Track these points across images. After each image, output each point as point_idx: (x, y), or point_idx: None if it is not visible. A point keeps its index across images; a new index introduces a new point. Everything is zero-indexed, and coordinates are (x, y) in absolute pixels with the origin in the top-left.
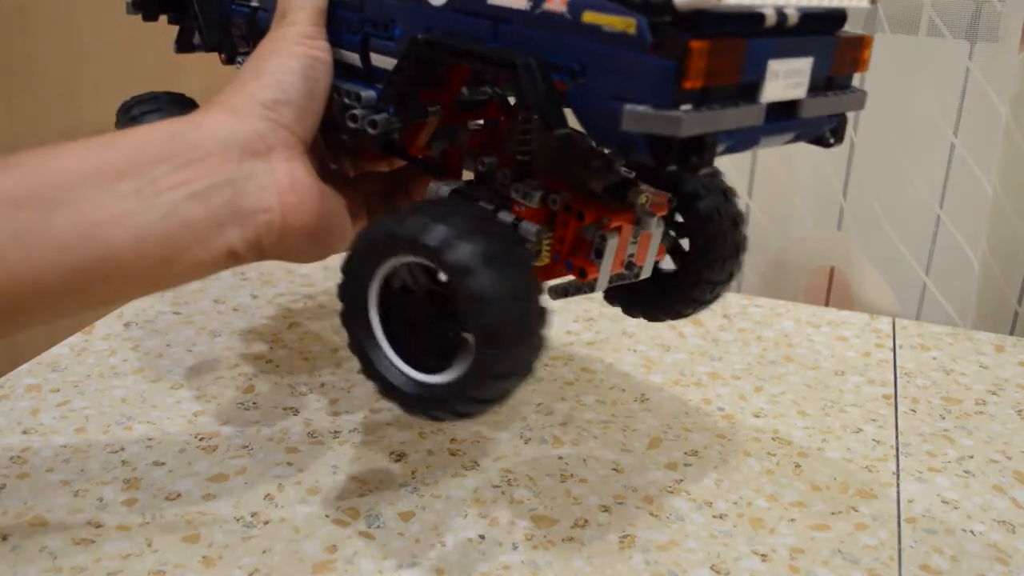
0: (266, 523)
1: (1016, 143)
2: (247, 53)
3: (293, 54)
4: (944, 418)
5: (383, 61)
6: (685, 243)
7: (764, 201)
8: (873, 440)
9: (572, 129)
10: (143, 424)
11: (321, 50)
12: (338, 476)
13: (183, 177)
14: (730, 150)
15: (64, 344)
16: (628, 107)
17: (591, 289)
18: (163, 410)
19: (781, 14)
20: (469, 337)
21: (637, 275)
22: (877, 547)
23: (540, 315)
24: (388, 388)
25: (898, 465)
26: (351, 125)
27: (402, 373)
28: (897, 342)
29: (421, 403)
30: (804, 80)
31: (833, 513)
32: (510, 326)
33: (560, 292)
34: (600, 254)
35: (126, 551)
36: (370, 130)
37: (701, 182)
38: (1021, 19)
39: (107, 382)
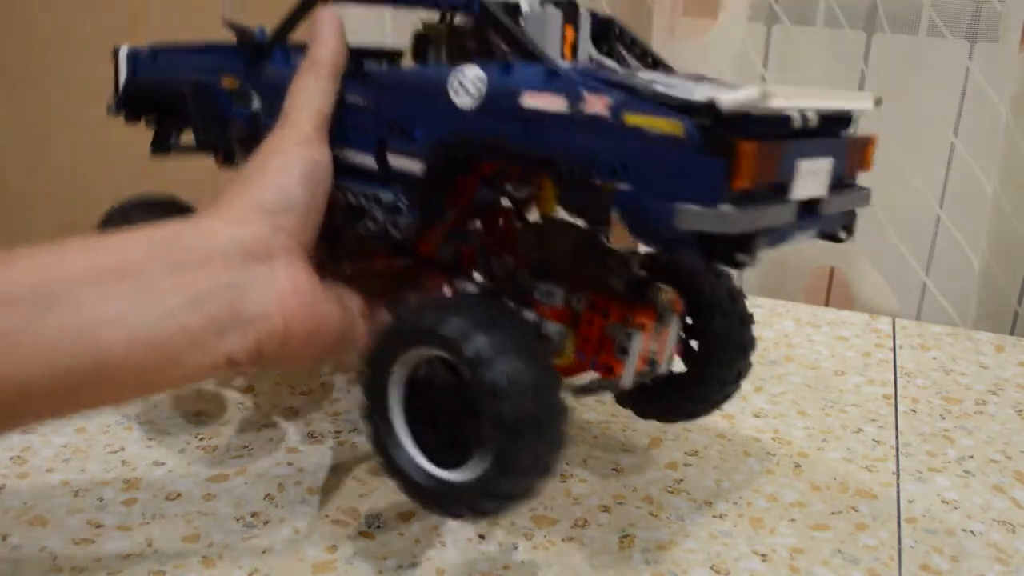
0: (265, 523)
1: (1016, 143)
2: (247, 154)
3: (295, 157)
4: (944, 418)
5: (402, 163)
6: (693, 344)
7: None
8: (873, 440)
9: (592, 229)
10: (143, 424)
11: (322, 154)
12: (338, 476)
13: (182, 281)
14: (767, 246)
15: None
16: (681, 206)
17: (615, 388)
18: (163, 410)
19: (804, 116)
20: (488, 431)
21: (656, 372)
22: (877, 547)
23: (559, 410)
24: (408, 485)
25: (898, 465)
26: (371, 227)
27: (422, 469)
28: (897, 342)
29: (441, 500)
30: (825, 179)
31: (833, 513)
32: (528, 419)
33: (583, 391)
34: (625, 351)
35: (126, 551)
36: (395, 233)
37: (708, 282)
38: (1021, 19)
39: None
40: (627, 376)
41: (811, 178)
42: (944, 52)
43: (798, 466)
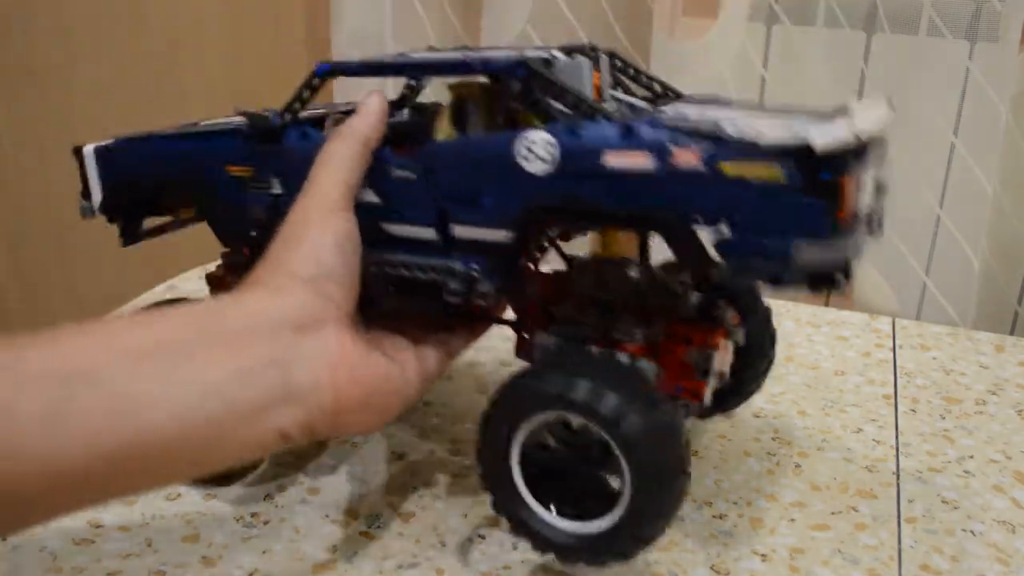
0: (266, 523)
1: (1016, 143)
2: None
3: (327, 228)
4: (944, 418)
5: (472, 232)
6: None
7: None
8: (873, 440)
9: (651, 265)
10: None
11: (350, 221)
12: (338, 476)
13: (226, 356)
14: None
15: None
16: (797, 245)
17: (699, 409)
18: None
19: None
20: (620, 481)
21: (724, 383)
22: (877, 547)
23: (685, 446)
24: (546, 544)
25: (898, 465)
26: (452, 300)
27: (557, 528)
28: (897, 342)
29: (584, 553)
30: (873, 188)
31: (833, 513)
32: (665, 463)
33: None
34: (707, 373)
35: (126, 551)
36: (482, 303)
37: (738, 286)
38: (1021, 19)
39: None
40: (708, 395)
41: (868, 191)
42: (944, 52)
43: (798, 466)
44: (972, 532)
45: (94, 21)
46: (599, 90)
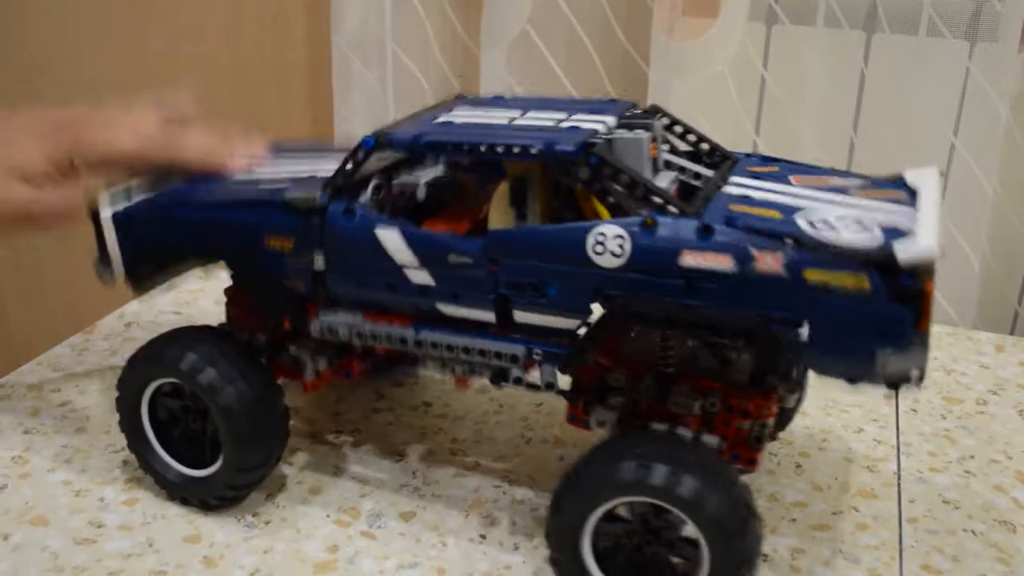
0: (267, 523)
1: (1016, 143)
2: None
3: None
4: (945, 418)
5: (533, 318)
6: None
7: None
8: (874, 440)
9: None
10: None
11: None
12: (338, 476)
13: None
14: None
15: (65, 344)
16: (882, 353)
17: (753, 470)
18: None
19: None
20: (705, 553)
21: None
22: (878, 547)
23: (753, 503)
24: None
25: (899, 465)
26: (506, 385)
27: None
28: None
29: None
30: None
31: (834, 513)
32: (747, 535)
33: None
34: (760, 440)
35: (127, 551)
36: (545, 390)
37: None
38: (1021, 19)
39: (108, 382)
40: (761, 460)
41: None
42: (944, 52)
43: (799, 466)
44: (973, 532)
45: (91, 19)
46: (656, 161)
